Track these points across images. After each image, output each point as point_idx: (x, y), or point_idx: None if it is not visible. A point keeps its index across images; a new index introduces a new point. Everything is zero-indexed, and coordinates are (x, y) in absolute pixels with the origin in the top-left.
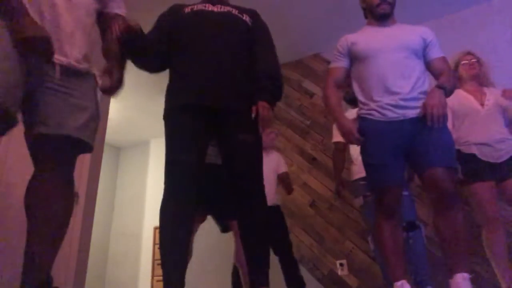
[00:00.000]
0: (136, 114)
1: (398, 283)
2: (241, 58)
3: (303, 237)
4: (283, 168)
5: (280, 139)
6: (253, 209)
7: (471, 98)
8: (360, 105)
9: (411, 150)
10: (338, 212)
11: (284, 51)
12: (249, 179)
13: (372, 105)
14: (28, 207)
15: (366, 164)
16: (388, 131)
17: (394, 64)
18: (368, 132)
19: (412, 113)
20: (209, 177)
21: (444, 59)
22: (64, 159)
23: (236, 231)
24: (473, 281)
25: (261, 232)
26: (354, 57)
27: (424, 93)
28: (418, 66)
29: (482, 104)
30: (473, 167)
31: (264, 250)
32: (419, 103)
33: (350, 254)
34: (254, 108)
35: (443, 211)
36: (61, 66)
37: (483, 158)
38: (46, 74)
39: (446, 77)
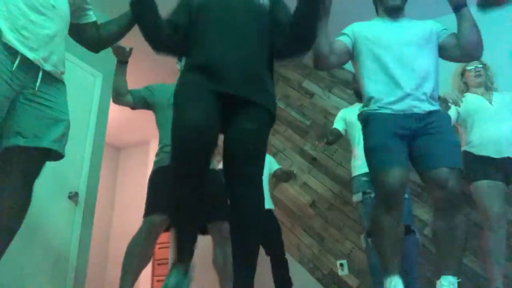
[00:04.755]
0: (136, 114)
1: (390, 277)
2: (263, 45)
3: (303, 237)
4: (275, 166)
5: (280, 139)
6: (250, 196)
7: (480, 98)
8: (365, 101)
9: (414, 148)
10: (338, 212)
11: None
12: (251, 163)
13: (378, 100)
14: None
15: (368, 149)
16: (392, 120)
17: (403, 59)
18: (372, 119)
19: (418, 109)
20: None
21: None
22: (34, 171)
23: (215, 235)
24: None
25: (255, 226)
26: (360, 47)
27: (434, 89)
28: (428, 61)
29: (491, 102)
30: (482, 167)
31: (255, 246)
32: (427, 100)
33: (350, 254)
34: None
35: (446, 212)
36: (44, 72)
37: (491, 155)
38: (26, 86)
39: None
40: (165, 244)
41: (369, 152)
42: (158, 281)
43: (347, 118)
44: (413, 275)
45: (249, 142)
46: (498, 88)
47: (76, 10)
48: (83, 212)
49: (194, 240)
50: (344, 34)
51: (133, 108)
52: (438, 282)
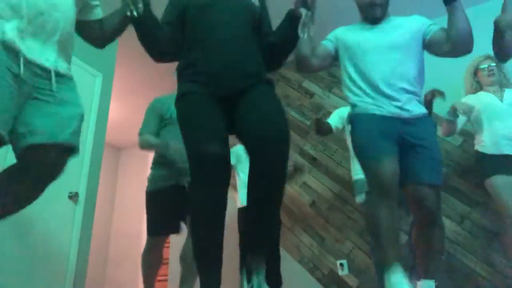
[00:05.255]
0: (136, 114)
1: (391, 267)
2: (251, 41)
3: (303, 237)
4: None
5: None
6: (273, 159)
7: (492, 96)
8: (351, 101)
9: (399, 157)
10: (338, 212)
11: None
12: (274, 124)
13: (366, 100)
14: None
15: (357, 146)
16: (378, 120)
17: (385, 64)
18: (358, 120)
19: (405, 113)
20: (175, 195)
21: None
22: (55, 169)
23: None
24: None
25: (276, 195)
26: (343, 52)
27: (419, 92)
28: (412, 64)
29: (501, 100)
30: (494, 164)
31: (273, 221)
32: (413, 104)
33: (350, 254)
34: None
35: (423, 228)
36: (56, 73)
37: (504, 153)
38: (38, 87)
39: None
40: (165, 244)
41: (358, 149)
42: (158, 281)
43: (344, 116)
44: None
45: (269, 103)
46: None
47: (84, 7)
48: (83, 212)
49: (220, 266)
50: (327, 39)
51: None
52: (418, 283)
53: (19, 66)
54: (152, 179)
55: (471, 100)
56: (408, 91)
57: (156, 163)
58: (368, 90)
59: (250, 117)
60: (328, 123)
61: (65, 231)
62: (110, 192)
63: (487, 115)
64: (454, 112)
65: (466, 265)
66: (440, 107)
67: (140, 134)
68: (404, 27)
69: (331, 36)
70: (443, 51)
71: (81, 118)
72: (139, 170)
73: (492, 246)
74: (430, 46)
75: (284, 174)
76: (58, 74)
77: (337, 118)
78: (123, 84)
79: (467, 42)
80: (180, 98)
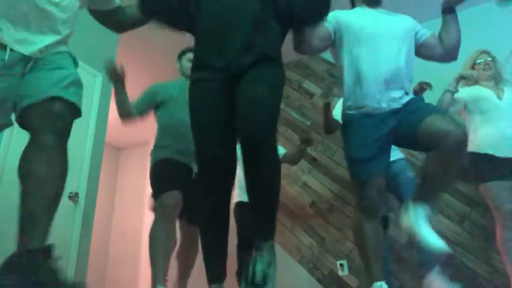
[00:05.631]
0: None
1: (378, 284)
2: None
3: (303, 237)
4: (281, 151)
5: (280, 139)
6: (262, 148)
7: (490, 92)
8: (346, 95)
9: (397, 130)
10: (338, 213)
11: (284, 51)
12: (255, 106)
13: (361, 93)
14: (23, 172)
15: (348, 157)
16: (372, 125)
17: (388, 49)
18: (353, 126)
19: (396, 104)
20: (184, 172)
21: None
22: (56, 121)
23: (186, 235)
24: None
25: (272, 177)
26: (344, 35)
27: (408, 87)
28: (406, 57)
29: (500, 99)
30: (490, 167)
31: (273, 195)
32: (403, 94)
33: (350, 254)
34: None
35: (440, 145)
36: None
37: (500, 155)
38: (28, 62)
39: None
40: None
41: (349, 160)
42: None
43: None
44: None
45: (263, 81)
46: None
47: None
48: (83, 212)
49: (223, 259)
50: (327, 21)
51: (140, 118)
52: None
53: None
54: (154, 154)
55: (468, 91)
56: (401, 84)
57: (159, 145)
58: (362, 80)
59: (238, 101)
60: (338, 121)
61: (65, 231)
62: (110, 192)
63: (485, 113)
64: (456, 83)
65: (466, 265)
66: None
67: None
68: (401, 20)
69: (330, 18)
70: (434, 56)
71: (75, 79)
72: (139, 170)
73: (492, 246)
74: (421, 48)
75: (269, 153)
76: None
77: (340, 111)
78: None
79: (457, 51)
80: (191, 86)
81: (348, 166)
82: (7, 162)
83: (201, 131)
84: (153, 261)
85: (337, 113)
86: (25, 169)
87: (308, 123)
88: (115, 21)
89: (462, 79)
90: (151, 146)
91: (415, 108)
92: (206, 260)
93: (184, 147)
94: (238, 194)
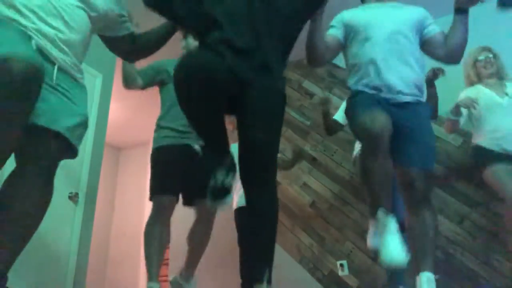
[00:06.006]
0: (136, 114)
1: (382, 210)
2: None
3: (303, 237)
4: None
5: (281, 139)
6: (265, 202)
7: (490, 91)
8: (351, 80)
9: (393, 140)
10: (338, 213)
11: None
12: (266, 169)
13: (366, 81)
14: (2, 202)
15: (351, 112)
16: (375, 96)
17: (392, 44)
18: (355, 96)
19: (404, 98)
20: (185, 157)
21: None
22: (48, 157)
23: (200, 212)
24: (439, 282)
25: (271, 221)
26: (351, 36)
27: (419, 80)
28: (416, 51)
29: (506, 95)
30: (492, 155)
31: (271, 239)
32: (413, 89)
33: (350, 254)
34: None
35: (414, 210)
36: (59, 68)
37: (501, 151)
38: (55, 80)
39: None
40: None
41: (351, 113)
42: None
43: None
44: (401, 276)
45: (263, 152)
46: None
47: (111, 24)
48: (83, 212)
49: (223, 142)
50: (333, 26)
51: (142, 89)
52: (417, 278)
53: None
54: (156, 138)
55: (471, 94)
56: (410, 76)
57: (160, 126)
58: (369, 72)
59: (244, 121)
60: (336, 121)
61: (65, 231)
62: (110, 192)
63: (489, 111)
64: (457, 110)
65: (466, 265)
66: (444, 106)
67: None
68: (410, 13)
69: (337, 22)
70: (436, 55)
71: (85, 121)
72: (139, 170)
73: (492, 246)
74: (425, 44)
75: (268, 172)
76: (68, 74)
77: (343, 113)
78: None
79: (459, 54)
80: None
81: (351, 116)
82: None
83: (194, 108)
84: (147, 259)
85: (338, 116)
86: (2, 199)
87: (308, 123)
88: (128, 49)
89: (458, 109)
90: (151, 146)
91: (415, 143)
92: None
93: (185, 127)
94: (239, 200)
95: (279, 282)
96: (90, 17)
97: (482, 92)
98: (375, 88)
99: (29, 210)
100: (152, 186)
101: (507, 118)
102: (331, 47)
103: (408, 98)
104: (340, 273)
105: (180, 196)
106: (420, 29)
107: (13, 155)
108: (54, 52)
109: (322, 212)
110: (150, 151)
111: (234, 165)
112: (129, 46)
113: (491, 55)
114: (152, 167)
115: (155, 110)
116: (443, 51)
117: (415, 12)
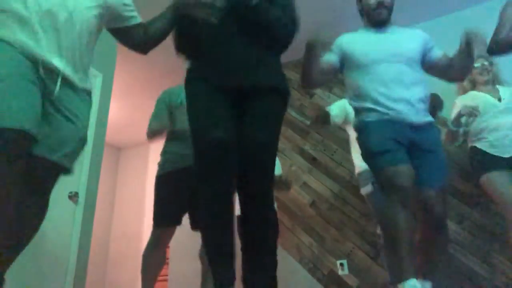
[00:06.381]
0: (136, 114)
1: (410, 282)
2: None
3: (303, 237)
4: (277, 171)
5: (280, 139)
6: (262, 214)
7: (487, 95)
8: (356, 111)
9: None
10: (338, 212)
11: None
12: (263, 177)
13: (371, 108)
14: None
15: (369, 153)
16: (391, 127)
17: (394, 73)
18: (368, 126)
19: (411, 119)
20: (184, 180)
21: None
22: (48, 189)
23: None
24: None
25: (270, 237)
26: (350, 61)
27: (425, 100)
28: (418, 74)
29: (499, 100)
30: (491, 160)
31: (273, 256)
32: (419, 110)
33: (350, 254)
34: None
35: (430, 234)
36: (63, 79)
37: (498, 154)
38: (47, 87)
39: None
40: None
41: (370, 156)
42: (159, 281)
43: (347, 109)
44: None
45: (261, 159)
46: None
47: (116, 17)
48: (83, 212)
49: (230, 261)
50: (331, 51)
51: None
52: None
53: (37, 65)
54: (161, 164)
55: (467, 101)
56: (416, 99)
57: (165, 151)
58: (376, 99)
59: (244, 134)
60: (328, 113)
61: (65, 231)
62: (110, 192)
63: (486, 114)
64: (458, 121)
65: (466, 265)
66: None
67: (149, 125)
68: (410, 36)
69: (335, 47)
70: (438, 75)
71: (82, 141)
72: (139, 170)
73: (492, 246)
74: (430, 68)
75: (265, 189)
76: (69, 82)
77: (338, 111)
78: (123, 84)
79: (467, 75)
80: (189, 82)
81: (370, 163)
82: None
83: (200, 115)
84: (143, 281)
85: (335, 114)
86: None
87: (308, 122)
88: (140, 40)
89: (459, 119)
90: (151, 146)
91: (429, 164)
92: (212, 262)
93: (191, 152)
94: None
95: (279, 282)
96: (101, 16)
97: (478, 97)
98: (385, 116)
99: (27, 230)
100: (155, 215)
101: (503, 121)
102: (327, 72)
103: (421, 121)
104: (340, 272)
105: (187, 218)
106: (422, 51)
107: None
108: (56, 62)
109: (322, 212)
110: (150, 151)
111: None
112: (141, 37)
113: (486, 63)
114: (155, 195)
115: None
116: (447, 73)
117: (416, 39)
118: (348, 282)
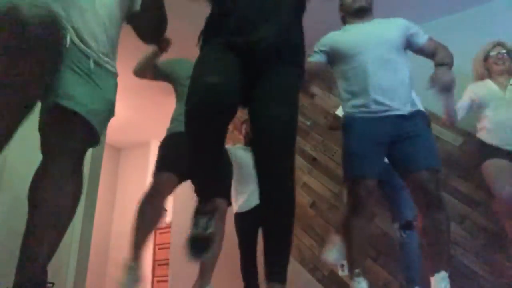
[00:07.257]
0: (136, 115)
1: (357, 270)
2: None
3: (304, 237)
4: None
5: None
6: (282, 184)
7: (495, 87)
8: (344, 103)
9: (394, 152)
10: (339, 213)
11: None
12: (284, 158)
13: (357, 101)
14: (33, 200)
15: (346, 154)
16: (373, 126)
17: (379, 60)
18: (353, 125)
19: (398, 110)
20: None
21: (431, 38)
22: (77, 149)
23: (221, 214)
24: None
25: (289, 217)
26: (337, 56)
27: (410, 85)
28: (401, 60)
29: (505, 90)
30: (488, 150)
31: (289, 239)
32: (405, 100)
33: None
34: None
35: (428, 212)
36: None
37: (502, 146)
38: (78, 62)
39: (442, 53)
40: (165, 244)
41: (346, 156)
42: (158, 281)
43: None
44: (413, 272)
45: (280, 135)
46: None
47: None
48: (83, 212)
49: (213, 187)
50: (316, 52)
51: (153, 80)
52: (432, 279)
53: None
54: (173, 127)
55: (477, 87)
56: (401, 87)
57: (174, 119)
58: (363, 91)
59: (259, 109)
60: (339, 117)
61: None
62: (110, 192)
63: (492, 105)
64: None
65: (466, 265)
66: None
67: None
68: (392, 26)
69: (321, 46)
70: (433, 59)
71: (110, 108)
72: (139, 170)
73: (492, 246)
74: (417, 52)
75: (287, 166)
76: (101, 66)
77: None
78: (124, 84)
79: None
80: (204, 45)
81: (344, 160)
82: (8, 162)
83: (203, 67)
84: (132, 235)
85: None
86: (34, 198)
87: (308, 123)
88: (153, 25)
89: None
90: (151, 147)
91: (417, 147)
92: (196, 182)
93: None
94: (239, 205)
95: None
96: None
97: (489, 87)
98: (372, 115)
99: (63, 204)
100: (155, 166)
101: (508, 113)
102: (315, 71)
103: (406, 111)
104: (340, 273)
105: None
106: (406, 40)
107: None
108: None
109: (322, 212)
110: (150, 152)
111: (214, 213)
112: (152, 21)
113: (504, 51)
114: (159, 150)
115: (156, 110)
116: (435, 56)
117: (397, 27)
118: (348, 283)
